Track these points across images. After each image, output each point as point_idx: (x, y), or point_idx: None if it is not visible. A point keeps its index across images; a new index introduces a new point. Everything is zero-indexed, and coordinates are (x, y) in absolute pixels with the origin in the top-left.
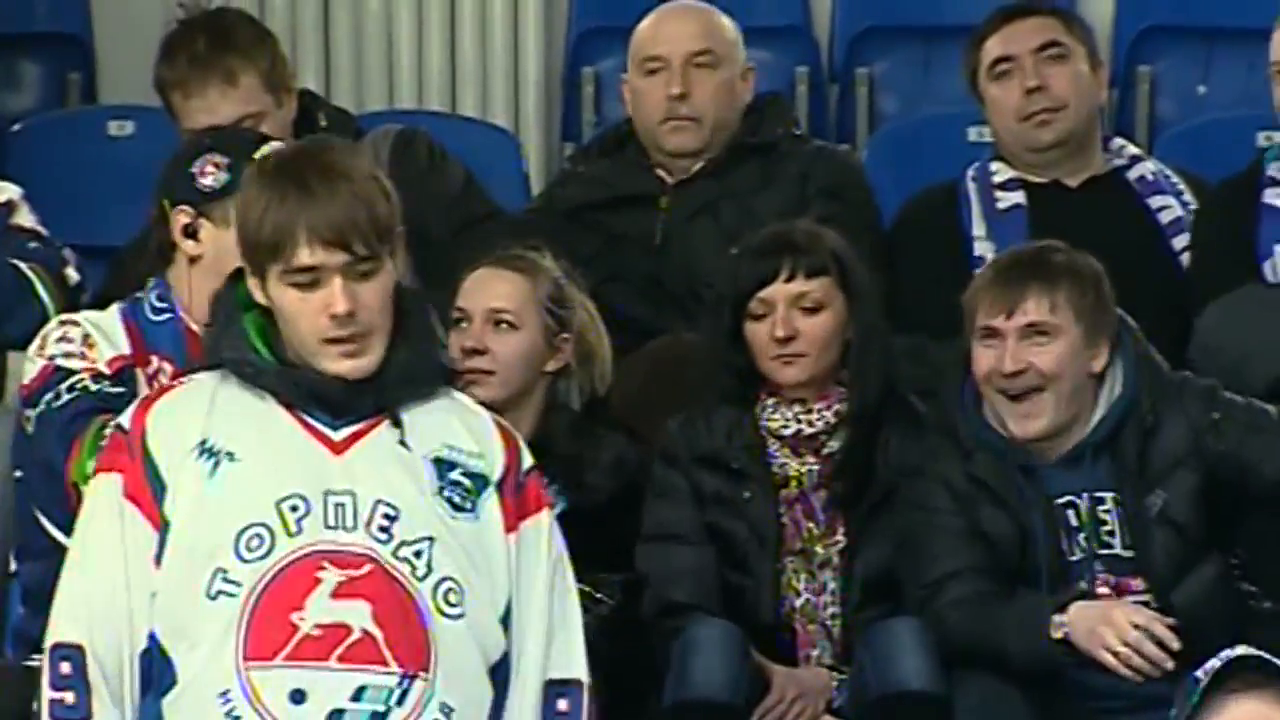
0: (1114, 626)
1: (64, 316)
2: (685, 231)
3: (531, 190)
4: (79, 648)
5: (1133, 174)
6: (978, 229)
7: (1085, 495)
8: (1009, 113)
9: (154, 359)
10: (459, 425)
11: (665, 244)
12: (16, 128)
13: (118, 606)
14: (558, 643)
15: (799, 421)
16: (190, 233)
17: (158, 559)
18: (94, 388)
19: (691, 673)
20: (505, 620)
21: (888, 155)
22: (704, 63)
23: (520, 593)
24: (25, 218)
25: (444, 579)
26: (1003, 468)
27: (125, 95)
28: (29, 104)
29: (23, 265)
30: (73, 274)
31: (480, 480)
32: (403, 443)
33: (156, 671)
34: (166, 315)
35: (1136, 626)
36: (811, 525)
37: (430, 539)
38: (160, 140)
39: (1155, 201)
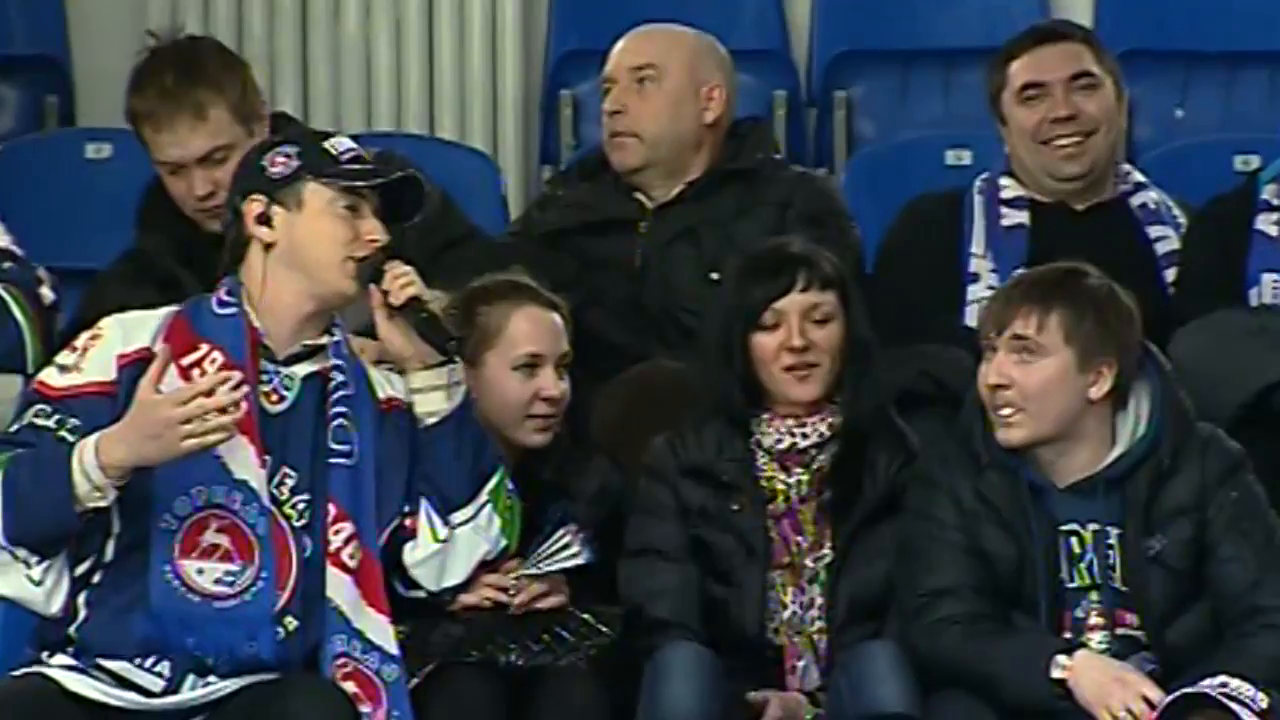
0: (1126, 691)
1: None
2: (664, 256)
3: (510, 213)
4: None
5: (1136, 201)
6: (976, 246)
7: (1090, 526)
8: (1033, 136)
9: (203, 346)
10: None
11: (644, 269)
12: None
13: None
14: None
15: (792, 435)
16: (264, 220)
17: None
18: (42, 424)
19: (662, 698)
20: None
21: (866, 179)
22: (645, 78)
23: None
24: (0, 238)
25: None
26: (1013, 487)
27: (103, 118)
28: (6, 126)
29: None
30: (47, 293)
31: None
32: None
33: None
34: (231, 310)
35: (1147, 700)
36: (799, 539)
37: None
38: (138, 164)
39: (1154, 231)
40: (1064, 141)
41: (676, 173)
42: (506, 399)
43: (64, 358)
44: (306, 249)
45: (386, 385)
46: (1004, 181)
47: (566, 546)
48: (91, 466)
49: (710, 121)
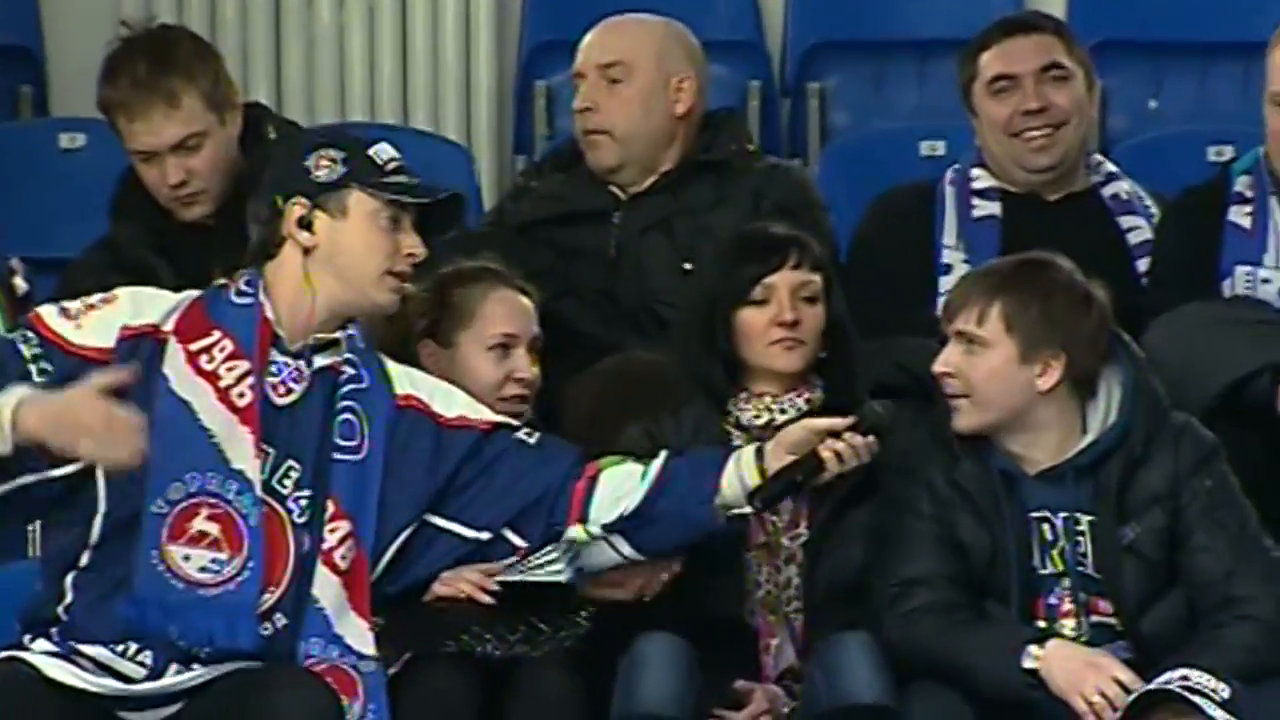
0: (1098, 675)
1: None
2: (639, 247)
3: (484, 204)
4: None
5: (1107, 191)
6: (948, 237)
7: (1061, 514)
8: (1003, 128)
9: (215, 333)
10: None
11: (618, 259)
12: None
13: None
14: None
15: (770, 411)
16: (305, 224)
17: None
18: (24, 350)
19: (638, 687)
20: None
21: (839, 170)
22: (613, 76)
23: None
24: None
25: None
26: (985, 475)
27: (76, 108)
28: None
29: None
30: (21, 284)
31: None
32: None
33: None
34: (249, 300)
35: (1119, 683)
36: (775, 518)
37: None
38: (111, 153)
39: (1126, 221)
40: (1034, 134)
41: (651, 166)
42: (480, 380)
43: (69, 303)
44: (347, 258)
45: (406, 383)
46: (975, 172)
47: (553, 563)
48: (5, 419)
49: (681, 113)
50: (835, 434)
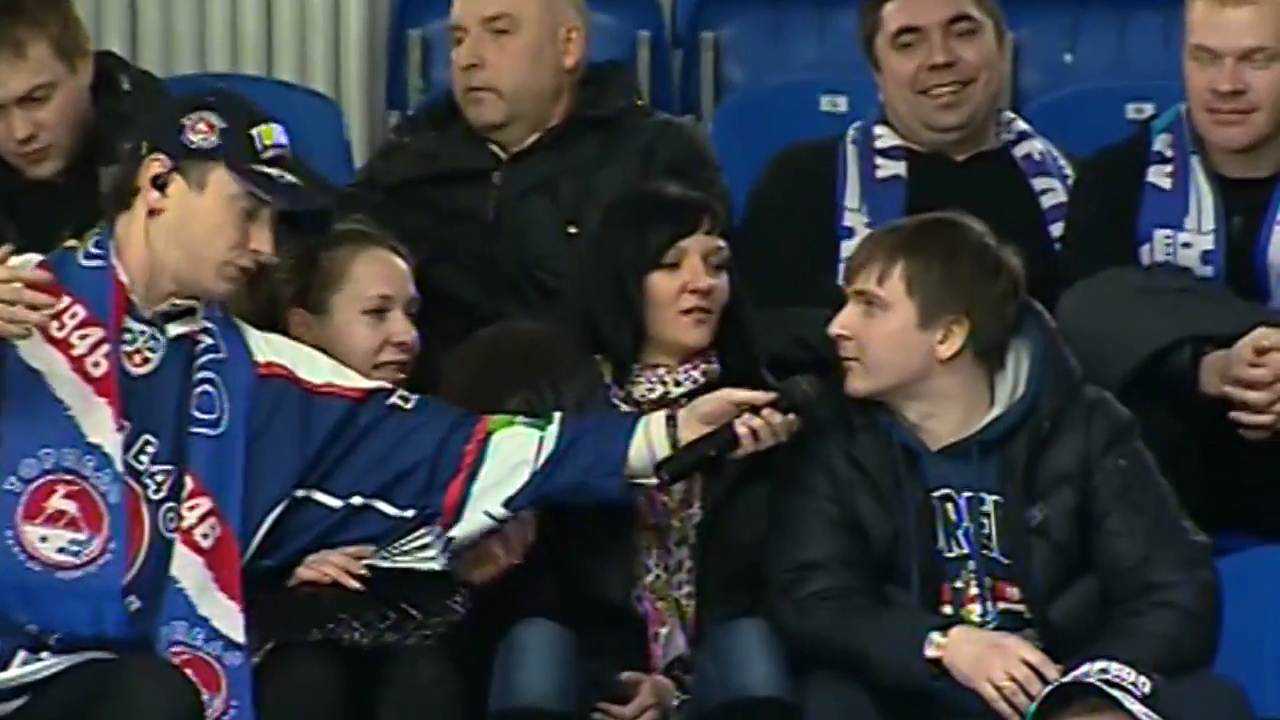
0: (1004, 658)
1: None
2: (520, 209)
3: (354, 160)
4: None
5: (1019, 151)
6: (850, 199)
7: (965, 493)
8: (908, 85)
9: (65, 298)
10: None
11: (498, 222)
12: None
13: None
14: None
15: (664, 384)
16: (159, 183)
17: None
18: None
19: (517, 678)
20: None
21: (735, 126)
22: (499, 29)
23: None
24: None
25: None
26: (885, 451)
27: None
28: None
29: None
30: None
31: None
32: None
33: None
34: (99, 262)
35: (1028, 664)
36: (666, 499)
37: None
38: None
39: (1039, 183)
40: (941, 90)
41: (537, 123)
42: (355, 345)
43: None
44: (192, 234)
45: (267, 350)
46: (879, 130)
47: (425, 548)
48: None
49: (570, 65)
50: (755, 408)
